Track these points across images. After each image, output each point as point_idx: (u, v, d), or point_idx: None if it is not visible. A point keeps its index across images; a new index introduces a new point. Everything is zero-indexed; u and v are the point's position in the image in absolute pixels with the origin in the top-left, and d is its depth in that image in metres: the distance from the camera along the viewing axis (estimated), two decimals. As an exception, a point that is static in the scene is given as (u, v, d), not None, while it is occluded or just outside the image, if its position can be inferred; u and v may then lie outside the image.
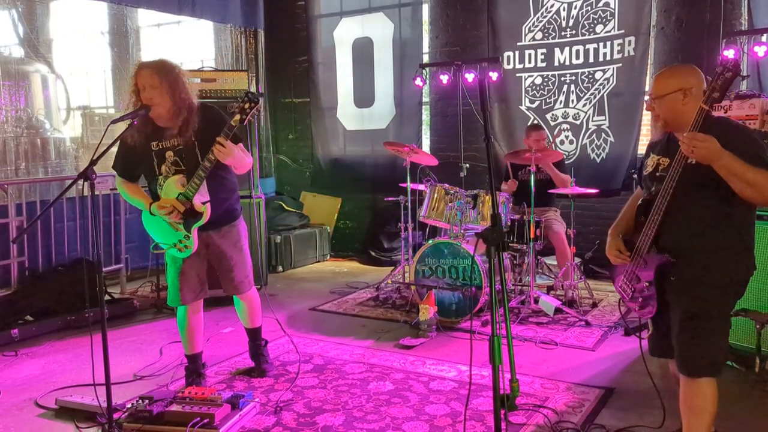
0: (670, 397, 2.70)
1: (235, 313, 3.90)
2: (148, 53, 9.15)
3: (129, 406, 3.20)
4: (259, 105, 3.32)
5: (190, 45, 8.62)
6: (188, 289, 3.55)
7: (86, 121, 9.13)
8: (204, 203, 3.34)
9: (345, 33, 7.77)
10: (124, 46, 9.09)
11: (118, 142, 3.33)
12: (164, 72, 3.27)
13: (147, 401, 3.17)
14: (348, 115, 7.86)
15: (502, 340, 1.95)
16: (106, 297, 5.28)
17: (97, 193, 3.04)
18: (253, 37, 7.94)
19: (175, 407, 3.13)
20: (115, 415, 3.04)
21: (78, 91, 9.45)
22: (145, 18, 9.07)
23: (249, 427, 3.17)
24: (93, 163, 2.87)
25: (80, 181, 2.87)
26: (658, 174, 2.56)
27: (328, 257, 7.60)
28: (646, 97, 2.58)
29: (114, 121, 3.24)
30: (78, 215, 5.75)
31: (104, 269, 5.72)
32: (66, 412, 3.38)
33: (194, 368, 3.74)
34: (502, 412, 1.80)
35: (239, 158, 3.32)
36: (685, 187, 2.41)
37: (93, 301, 4.45)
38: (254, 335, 3.92)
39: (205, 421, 3.02)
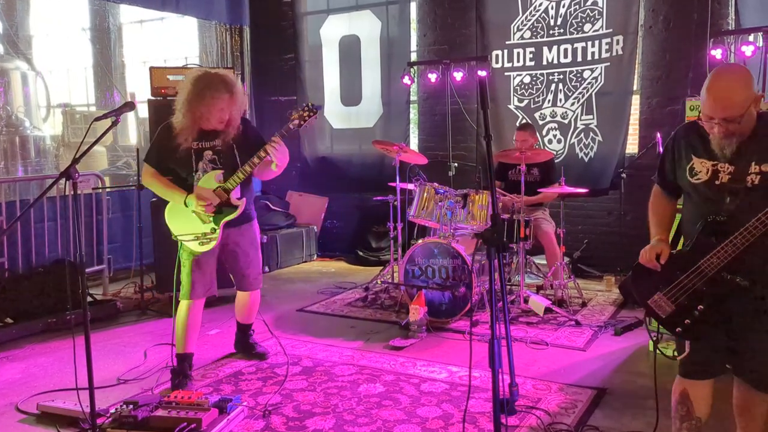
0: (663, 397, 2.66)
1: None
2: (131, 50, 9.03)
3: (113, 411, 3.10)
4: (316, 116, 3.64)
5: (174, 42, 8.52)
6: (201, 283, 3.68)
7: (67, 119, 9.00)
8: (239, 198, 3.61)
9: (332, 31, 7.70)
10: (106, 42, 8.96)
11: (156, 135, 3.68)
12: (236, 92, 3.55)
13: (131, 406, 3.08)
14: (335, 113, 7.79)
15: (500, 341, 1.89)
16: (88, 299, 5.16)
17: (79, 192, 2.96)
18: (238, 34, 7.85)
19: (160, 412, 3.05)
20: (99, 421, 2.95)
21: (58, 89, 9.31)
22: (127, 14, 8.95)
23: (237, 431, 3.10)
24: (75, 161, 2.79)
25: (62, 180, 2.78)
26: (725, 184, 2.32)
27: (315, 257, 7.53)
28: (714, 120, 2.24)
29: (97, 119, 3.15)
30: (59, 215, 5.63)
31: (86, 270, 5.61)
32: (48, 417, 3.29)
33: (181, 369, 3.68)
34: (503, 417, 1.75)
35: (285, 160, 3.58)
36: (767, 199, 2.21)
37: (75, 302, 4.34)
38: (247, 329, 4.16)
39: (192, 426, 2.94)
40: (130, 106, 3.17)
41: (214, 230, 3.59)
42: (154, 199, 5.43)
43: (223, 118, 3.53)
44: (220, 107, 3.49)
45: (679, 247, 2.56)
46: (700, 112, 2.36)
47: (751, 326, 2.38)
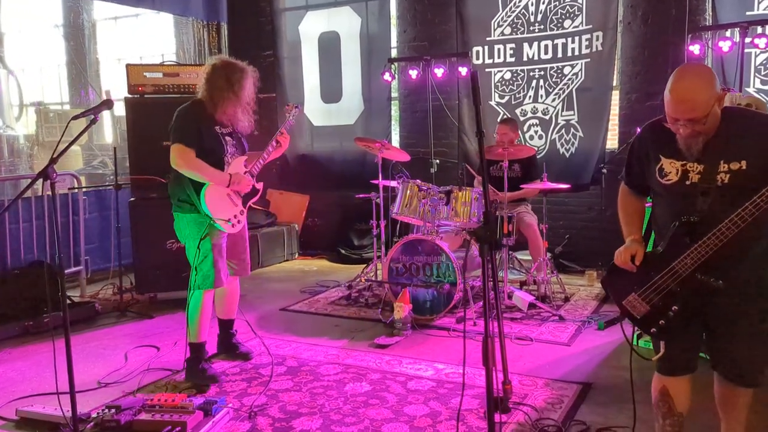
0: (642, 389, 2.67)
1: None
2: (106, 47, 8.88)
3: (95, 415, 3.04)
4: (300, 109, 4.09)
5: (150, 39, 8.39)
6: (223, 271, 3.72)
7: (41, 117, 8.82)
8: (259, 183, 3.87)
9: (311, 27, 7.64)
10: (80, 39, 8.81)
11: (184, 118, 3.62)
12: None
13: (114, 410, 3.02)
14: (315, 110, 7.74)
15: (494, 338, 1.87)
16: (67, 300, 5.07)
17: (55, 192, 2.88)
18: (216, 30, 7.75)
19: (144, 416, 2.99)
20: (81, 426, 2.89)
21: (31, 87, 9.14)
22: (101, 10, 8.80)
23: (223, 434, 3.06)
24: (53, 161, 2.72)
25: (39, 181, 2.71)
26: (696, 184, 2.30)
27: (297, 256, 7.47)
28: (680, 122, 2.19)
29: (75, 118, 3.07)
30: (34, 216, 5.50)
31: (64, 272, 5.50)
32: (27, 423, 3.21)
33: (197, 357, 3.73)
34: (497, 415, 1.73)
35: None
36: (739, 198, 2.19)
37: (52, 305, 4.26)
38: (230, 327, 4.11)
39: (177, 429, 2.90)
40: (108, 104, 3.09)
41: (243, 212, 3.77)
42: (132, 199, 5.35)
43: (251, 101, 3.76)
44: (252, 90, 3.74)
45: (650, 245, 2.55)
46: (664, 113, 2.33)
47: (726, 326, 2.39)
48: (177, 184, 3.66)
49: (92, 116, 3.01)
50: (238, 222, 3.74)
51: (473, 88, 1.91)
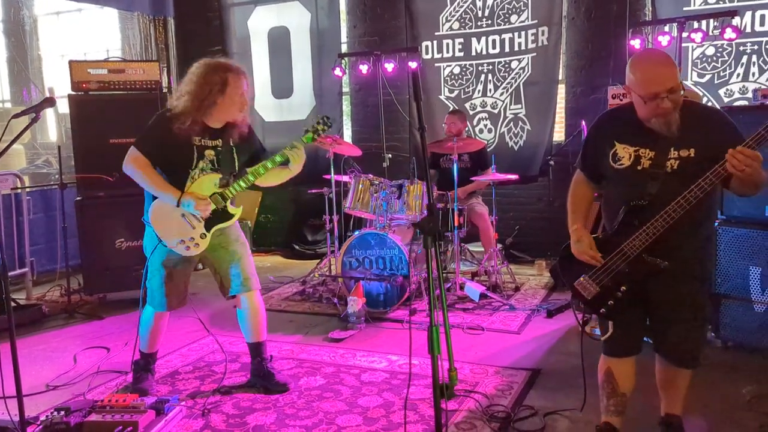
0: (592, 374, 2.78)
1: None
2: (48, 43, 8.63)
3: (43, 418, 2.98)
4: (329, 130, 3.54)
5: (94, 34, 8.18)
6: (175, 295, 3.40)
7: (-20, 116, 8.51)
8: (238, 206, 3.42)
9: (260, 22, 7.59)
10: (21, 35, 8.52)
11: (153, 126, 3.26)
12: (249, 85, 3.33)
13: (63, 412, 2.97)
14: (266, 106, 7.70)
15: (439, 328, 1.93)
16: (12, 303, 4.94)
17: (-2, 192, 2.82)
18: (162, 26, 7.61)
19: (94, 417, 2.95)
20: (29, 429, 2.84)
21: (-30, 84, 8.80)
22: (42, 5, 8.54)
23: (176, 432, 3.05)
24: (-7, 160, 2.65)
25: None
26: (647, 169, 2.41)
27: (250, 252, 7.41)
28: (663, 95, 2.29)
29: (15, 116, 3.01)
30: (-26, 217, 5.34)
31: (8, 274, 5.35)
32: (-28, 429, 3.13)
33: (145, 363, 3.55)
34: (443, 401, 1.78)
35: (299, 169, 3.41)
36: (686, 184, 2.30)
37: (-3, 308, 4.14)
38: (262, 351, 3.55)
39: (129, 429, 2.87)
40: (50, 101, 3.03)
41: (204, 235, 3.29)
42: (78, 198, 5.23)
43: (235, 115, 3.28)
44: (243, 90, 3.23)
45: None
46: (627, 97, 2.43)
47: (667, 311, 2.52)
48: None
49: (34, 114, 2.95)
50: (196, 246, 3.28)
51: (414, 86, 1.95)
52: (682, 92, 2.34)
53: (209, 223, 3.31)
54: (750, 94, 5.42)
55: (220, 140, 3.32)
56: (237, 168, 3.41)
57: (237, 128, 3.34)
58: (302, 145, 3.34)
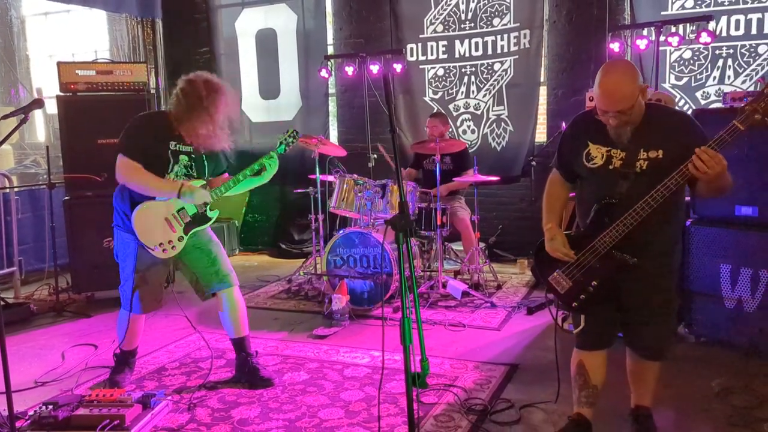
0: (567, 368, 2.89)
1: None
2: (36, 44, 8.65)
3: (32, 413, 3.06)
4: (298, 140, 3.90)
5: (82, 35, 8.22)
6: (150, 298, 3.49)
7: (-32, 116, 8.51)
8: (214, 210, 3.56)
9: (247, 24, 7.66)
10: (9, 36, 8.53)
11: (134, 128, 3.39)
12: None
13: (51, 407, 3.04)
14: (253, 107, 7.77)
15: (412, 323, 2.02)
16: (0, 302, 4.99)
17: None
18: (150, 27, 7.67)
19: (82, 411, 3.02)
20: (18, 424, 2.91)
21: (-43, 85, 8.80)
22: (30, 6, 8.56)
23: (162, 425, 3.12)
24: (-18, 160, 2.72)
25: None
26: (618, 169, 2.53)
27: (237, 252, 7.50)
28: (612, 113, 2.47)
29: (4, 117, 3.08)
30: (-38, 217, 5.39)
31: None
32: (-39, 424, 3.19)
33: (125, 359, 3.65)
34: (414, 390, 1.88)
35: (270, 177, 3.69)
36: (654, 184, 2.42)
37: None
38: (245, 346, 3.66)
39: (116, 422, 2.94)
40: (38, 103, 3.09)
41: (181, 239, 3.42)
42: (66, 198, 5.29)
43: (212, 130, 3.40)
44: (228, 104, 3.43)
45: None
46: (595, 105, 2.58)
47: (637, 306, 2.64)
48: (119, 196, 3.46)
49: (22, 115, 3.02)
50: (173, 249, 3.40)
51: (385, 90, 2.05)
52: (651, 98, 2.47)
53: (188, 227, 3.45)
54: (726, 97, 5.56)
55: (193, 146, 3.44)
56: (207, 175, 3.54)
57: (210, 139, 3.41)
58: (276, 155, 3.64)
